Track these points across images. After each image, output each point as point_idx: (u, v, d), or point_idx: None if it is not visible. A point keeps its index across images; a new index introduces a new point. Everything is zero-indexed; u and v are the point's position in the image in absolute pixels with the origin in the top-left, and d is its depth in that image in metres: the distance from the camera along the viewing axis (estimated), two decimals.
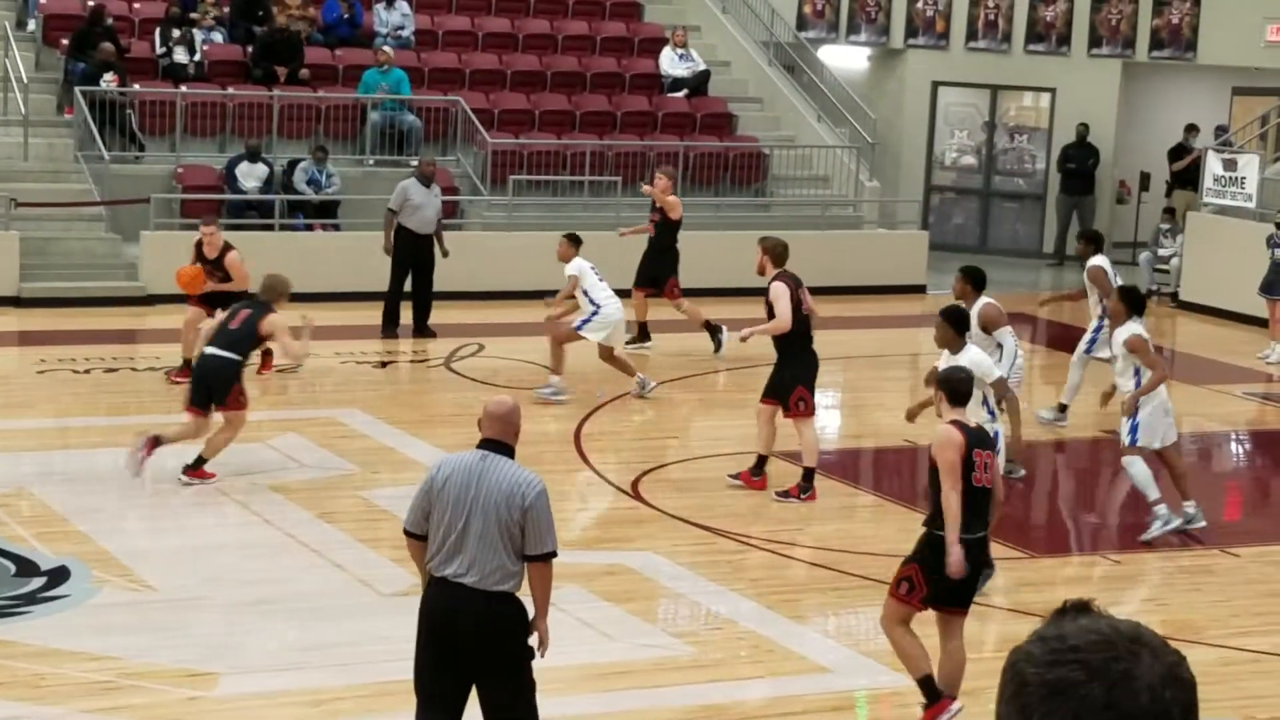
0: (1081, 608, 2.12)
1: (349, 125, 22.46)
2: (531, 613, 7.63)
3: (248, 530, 11.90)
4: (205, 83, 22.23)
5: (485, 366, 17.52)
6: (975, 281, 13.28)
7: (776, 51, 25.72)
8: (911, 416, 12.29)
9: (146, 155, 21.53)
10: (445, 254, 18.59)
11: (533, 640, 7.70)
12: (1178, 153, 25.85)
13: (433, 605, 7.51)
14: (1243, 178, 22.39)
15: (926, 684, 8.74)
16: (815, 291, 22.72)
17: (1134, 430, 12.26)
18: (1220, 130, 25.67)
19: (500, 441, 7.56)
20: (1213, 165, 22.90)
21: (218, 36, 22.99)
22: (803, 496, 12.99)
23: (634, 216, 22.32)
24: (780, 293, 12.87)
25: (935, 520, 8.80)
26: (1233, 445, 16.52)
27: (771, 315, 13.01)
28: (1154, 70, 26.80)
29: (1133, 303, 12.51)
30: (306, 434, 14.49)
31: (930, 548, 8.78)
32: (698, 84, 24.43)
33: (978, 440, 8.83)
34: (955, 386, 9.00)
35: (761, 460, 13.18)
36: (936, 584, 8.71)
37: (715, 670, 9.88)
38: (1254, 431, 17.32)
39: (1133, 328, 12.27)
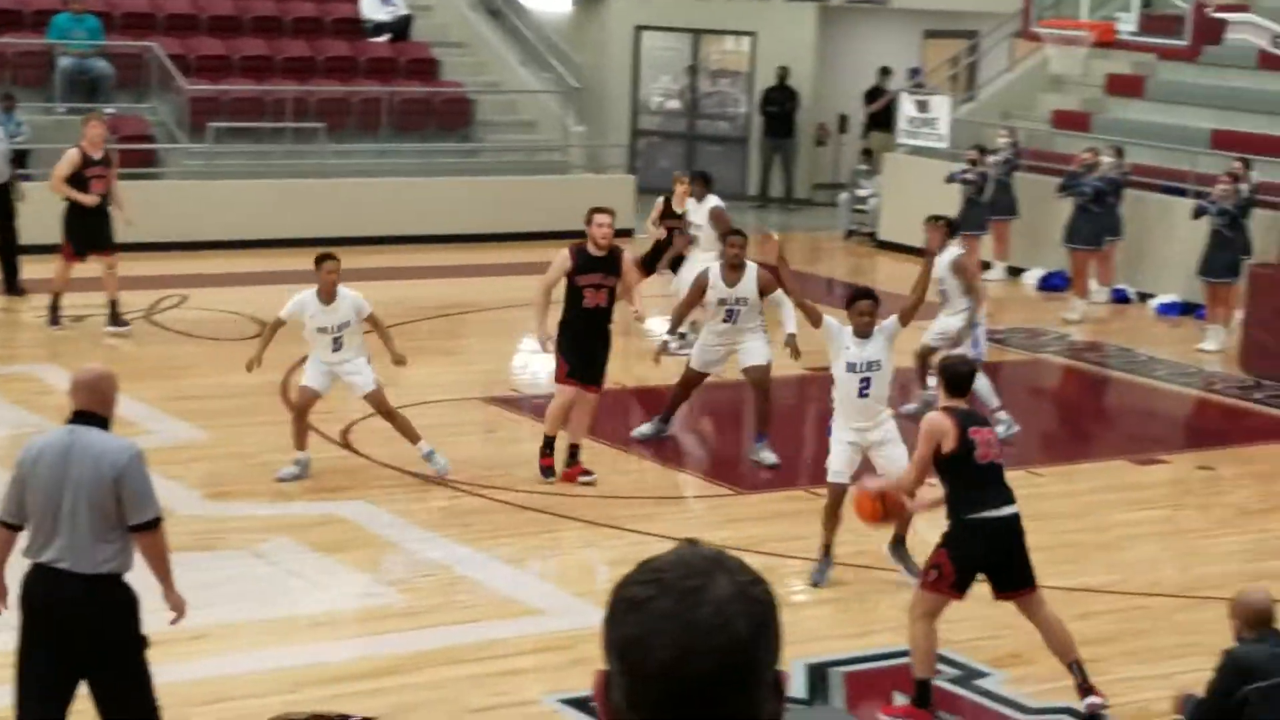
0: (691, 541, 2.33)
1: (38, 72, 21.76)
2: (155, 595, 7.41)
3: None
4: None
5: (189, 318, 17.22)
6: (952, 226, 14.02)
7: None
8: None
9: None
10: (19, 198, 18.05)
11: (168, 615, 7.52)
12: (873, 95, 26.52)
13: (32, 594, 7.14)
14: (935, 119, 23.05)
15: (922, 687, 8.76)
16: (527, 237, 22.92)
17: (977, 344, 13.75)
18: (913, 73, 26.39)
19: (90, 412, 7.21)
20: (906, 107, 23.53)
21: None
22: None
23: (338, 164, 22.11)
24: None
25: (958, 507, 8.75)
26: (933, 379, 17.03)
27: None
28: (849, 14, 27.41)
29: (953, 228, 14.33)
30: (3, 390, 14.10)
31: (959, 533, 8.73)
32: (400, 28, 24.23)
33: (971, 420, 8.84)
34: (953, 377, 8.97)
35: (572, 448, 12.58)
36: (967, 569, 8.66)
37: (429, 616, 9.93)
38: None
39: (954, 251, 13.84)
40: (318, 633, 9.67)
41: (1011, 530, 8.75)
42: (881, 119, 25.80)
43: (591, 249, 12.33)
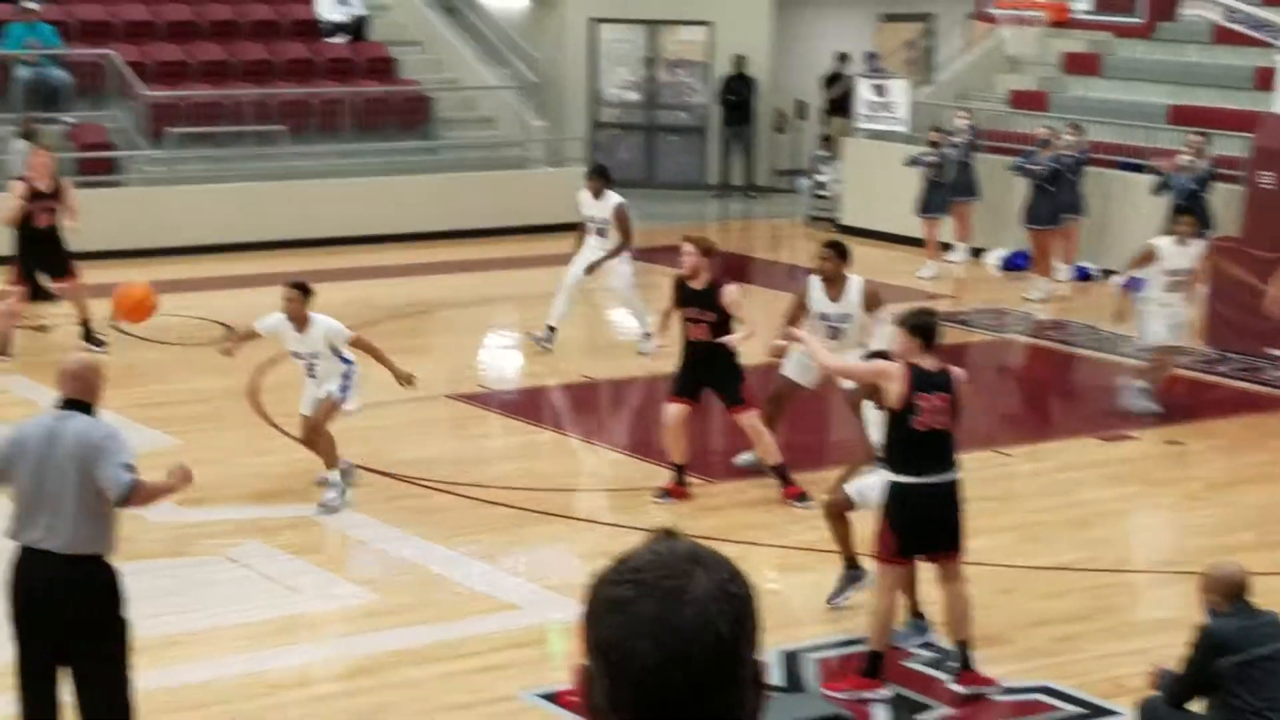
0: (667, 534, 2.31)
1: None
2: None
3: None
4: None
5: (154, 325, 17.12)
6: (606, 175, 13.29)
7: None
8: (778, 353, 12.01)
9: None
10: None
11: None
12: (830, 81, 26.56)
13: (16, 575, 7.34)
14: (893, 102, 23.11)
15: (874, 658, 8.82)
16: (489, 233, 22.75)
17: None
18: (870, 57, 26.44)
19: (77, 400, 7.43)
20: (864, 92, 23.58)
21: None
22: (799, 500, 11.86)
23: (299, 166, 22.06)
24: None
25: (892, 467, 8.70)
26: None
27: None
28: (805, 0, 27.43)
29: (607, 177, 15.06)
30: None
31: (890, 497, 8.68)
32: (357, 28, 24.20)
33: (926, 383, 8.65)
34: (932, 330, 8.76)
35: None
36: (904, 532, 8.65)
37: (403, 615, 9.93)
38: None
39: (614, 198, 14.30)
40: (292, 636, 9.66)
41: (941, 496, 8.74)
42: (840, 104, 25.86)
43: (689, 281, 11.73)
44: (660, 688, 2.18)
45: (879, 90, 23.37)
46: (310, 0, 24.34)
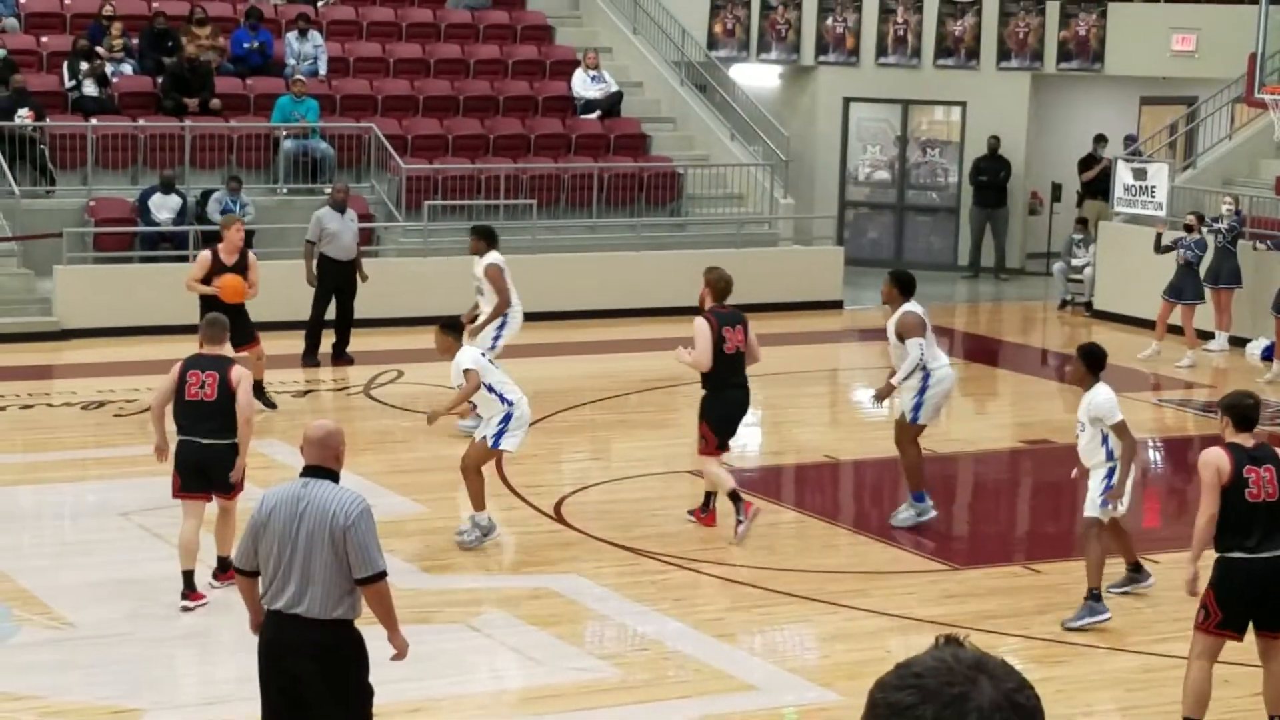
0: (951, 640, 2.29)
1: (262, 154, 22.37)
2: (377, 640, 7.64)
3: (168, 564, 11.80)
4: (115, 115, 22.07)
5: (405, 392, 17.48)
6: (903, 286, 13.15)
7: (688, 71, 25.83)
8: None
9: (58, 189, 21.35)
10: (364, 278, 18.57)
11: (390, 654, 7.73)
12: (1088, 163, 26.13)
13: (268, 639, 7.51)
14: (1153, 186, 22.65)
15: None
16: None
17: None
18: (1129, 140, 25.97)
19: (321, 467, 7.55)
20: (1123, 175, 23.15)
21: (127, 68, 22.85)
22: (701, 516, 13.03)
23: (549, 240, 22.36)
24: (700, 330, 12.72)
25: (1223, 543, 8.81)
26: (1150, 453, 16.69)
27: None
28: (1063, 82, 27.09)
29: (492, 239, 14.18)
30: None
31: (1220, 571, 8.82)
32: (611, 105, 24.49)
33: (1250, 458, 8.83)
34: (1243, 412, 9.00)
35: (710, 496, 13.10)
36: (1232, 608, 8.74)
37: (642, 691, 9.89)
38: (1170, 439, 17.50)
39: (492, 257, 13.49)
40: (532, 707, 9.68)
41: (1274, 571, 8.75)
42: (1096, 187, 25.42)
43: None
44: None
45: (1138, 174, 22.93)
46: (567, 77, 24.72)
